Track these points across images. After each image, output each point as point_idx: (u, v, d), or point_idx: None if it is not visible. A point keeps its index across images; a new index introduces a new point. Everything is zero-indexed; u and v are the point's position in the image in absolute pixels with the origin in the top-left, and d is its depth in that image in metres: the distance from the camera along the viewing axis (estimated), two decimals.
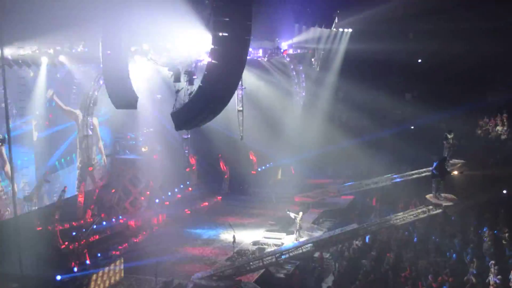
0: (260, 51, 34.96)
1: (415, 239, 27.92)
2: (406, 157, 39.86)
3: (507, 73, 41.57)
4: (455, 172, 26.96)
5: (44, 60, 24.41)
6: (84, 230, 25.91)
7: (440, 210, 25.65)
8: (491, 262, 23.51)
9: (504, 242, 26.40)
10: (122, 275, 24.55)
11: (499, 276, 22.14)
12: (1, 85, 20.58)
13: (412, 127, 44.97)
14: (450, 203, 25.64)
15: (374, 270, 24.87)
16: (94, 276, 22.80)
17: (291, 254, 24.28)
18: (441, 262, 24.81)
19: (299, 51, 40.76)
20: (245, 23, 18.23)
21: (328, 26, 41.29)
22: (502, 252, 25.39)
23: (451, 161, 27.99)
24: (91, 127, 28.48)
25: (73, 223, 27.41)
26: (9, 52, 21.88)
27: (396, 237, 27.90)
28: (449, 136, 26.33)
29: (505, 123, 39.85)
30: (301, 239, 28.39)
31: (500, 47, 39.57)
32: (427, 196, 25.98)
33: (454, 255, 25.51)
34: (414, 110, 45.04)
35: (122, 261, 24.85)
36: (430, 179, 32.11)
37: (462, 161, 30.58)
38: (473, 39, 40.08)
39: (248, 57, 20.42)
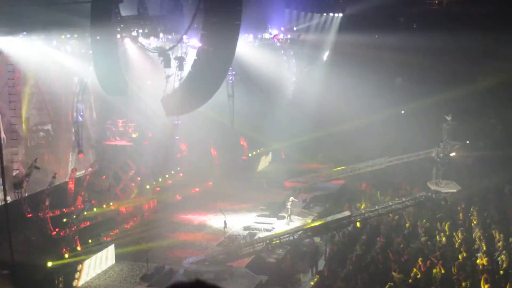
0: (251, 36, 34.83)
1: (406, 223, 28.08)
2: (397, 142, 40.06)
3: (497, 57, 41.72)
4: (453, 154, 27.06)
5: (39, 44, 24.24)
6: (75, 216, 25.87)
7: (441, 198, 25.56)
8: (480, 244, 23.77)
9: (492, 225, 26.62)
10: (114, 261, 24.59)
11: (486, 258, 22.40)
12: None
13: (403, 112, 45.14)
14: (451, 190, 25.53)
15: (365, 254, 25.04)
16: (85, 263, 22.84)
17: (282, 240, 24.35)
18: (430, 246, 25.00)
19: (289, 36, 40.65)
20: (235, 9, 18.17)
21: (320, 10, 41.30)
22: (490, 234, 25.60)
23: (450, 143, 28.23)
24: (81, 113, 28.34)
25: (64, 209, 27.31)
26: None
27: (386, 222, 28.05)
28: (448, 119, 26.45)
29: None
30: (292, 224, 28.52)
31: (492, 31, 39.73)
32: (428, 183, 25.91)
33: (443, 239, 25.69)
34: (405, 94, 45.20)
35: (113, 247, 24.89)
36: (422, 164, 32.33)
37: (459, 142, 30.85)
38: (465, 24, 40.17)
39: (238, 43, 20.37)
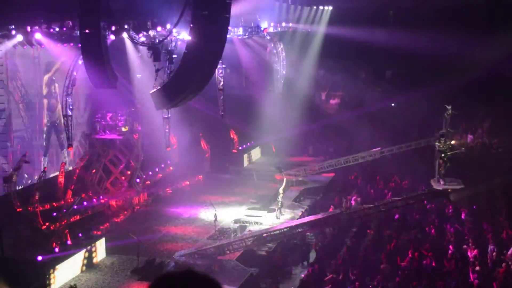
0: (241, 29, 34.74)
1: (396, 216, 28.19)
2: (387, 134, 40.22)
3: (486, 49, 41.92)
4: (454, 142, 26.89)
5: (19, 38, 24.03)
6: (65, 210, 25.82)
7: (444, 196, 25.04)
8: (470, 236, 23.93)
9: (482, 217, 26.80)
10: (104, 255, 24.57)
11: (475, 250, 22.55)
12: None
13: (393, 104, 45.31)
14: (455, 189, 24.77)
15: (355, 247, 25.16)
16: (75, 257, 22.82)
17: (272, 235, 24.34)
18: (421, 238, 25.13)
19: (279, 29, 40.63)
20: (224, 1, 18.11)
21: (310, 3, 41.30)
22: (480, 226, 25.78)
23: (450, 131, 28.32)
24: (71, 107, 28.24)
25: (54, 203, 27.27)
26: None
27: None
28: (448, 108, 26.53)
29: None
30: (282, 217, 28.58)
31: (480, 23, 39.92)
32: (431, 181, 25.46)
33: (433, 231, 25.84)
34: (394, 88, 45.36)
35: (104, 241, 24.86)
36: (411, 156, 32.29)
37: (459, 130, 31.02)
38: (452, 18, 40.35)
39: (228, 36, 20.32)
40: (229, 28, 22.18)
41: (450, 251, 23.27)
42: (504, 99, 41.01)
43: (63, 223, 25.23)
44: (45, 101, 28.49)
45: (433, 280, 21.16)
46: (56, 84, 27.91)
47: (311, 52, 44.73)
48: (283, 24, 41.37)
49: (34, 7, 23.73)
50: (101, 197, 30.00)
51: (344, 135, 42.33)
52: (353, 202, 29.26)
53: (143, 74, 31.09)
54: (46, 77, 29.25)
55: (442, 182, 23.90)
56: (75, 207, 26.95)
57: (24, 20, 23.59)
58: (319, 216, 25.21)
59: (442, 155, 23.87)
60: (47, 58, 28.50)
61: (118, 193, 31.11)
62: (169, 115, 30.58)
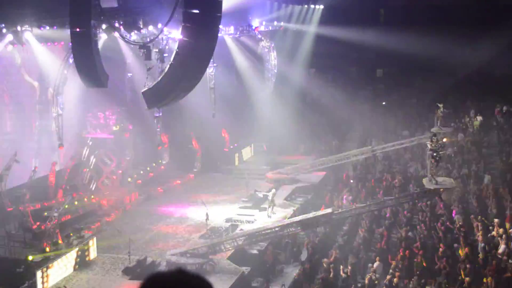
0: (232, 28, 34.76)
1: (387, 214, 28.25)
2: (377, 132, 40.35)
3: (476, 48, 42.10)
4: (446, 139, 26.85)
5: (9, 37, 23.87)
6: (55, 210, 25.71)
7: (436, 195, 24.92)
8: (460, 234, 24.01)
9: (472, 215, 26.89)
10: (96, 254, 24.51)
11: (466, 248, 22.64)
12: None
13: (384, 103, 45.44)
14: (447, 188, 24.54)
15: (347, 245, 25.21)
16: (67, 256, 22.75)
17: (263, 234, 24.36)
18: (412, 236, 25.21)
19: (270, 28, 40.64)
20: (216, 0, 18.10)
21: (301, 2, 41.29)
22: (471, 224, 25.87)
23: (442, 129, 28.34)
24: (61, 106, 28.13)
25: (45, 203, 27.16)
26: None
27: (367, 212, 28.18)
28: (440, 106, 26.60)
29: None
30: (274, 216, 28.60)
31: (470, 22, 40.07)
32: (423, 180, 25.34)
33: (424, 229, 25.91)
34: (385, 86, 45.46)
35: (95, 240, 24.81)
36: (401, 154, 32.35)
37: (451, 128, 30.92)
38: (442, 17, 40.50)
39: (219, 34, 20.31)
40: (220, 26, 22.16)
41: (441, 249, 23.34)
42: (493, 98, 41.25)
43: (54, 222, 25.13)
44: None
45: (424, 278, 21.23)
46: (50, 88, 27.77)
47: (302, 50, 44.77)
48: (275, 23, 41.39)
49: (24, 6, 23.59)
50: (92, 196, 29.92)
51: (335, 133, 42.37)
52: (344, 201, 29.31)
53: (135, 73, 31.04)
54: (35, 79, 29.11)
55: (434, 181, 23.72)
56: (66, 206, 26.86)
57: (14, 19, 23.43)
58: (311, 215, 25.24)
59: (434, 154, 23.65)
60: (37, 57, 28.36)
61: (110, 192, 31.03)
62: (161, 114, 30.55)
